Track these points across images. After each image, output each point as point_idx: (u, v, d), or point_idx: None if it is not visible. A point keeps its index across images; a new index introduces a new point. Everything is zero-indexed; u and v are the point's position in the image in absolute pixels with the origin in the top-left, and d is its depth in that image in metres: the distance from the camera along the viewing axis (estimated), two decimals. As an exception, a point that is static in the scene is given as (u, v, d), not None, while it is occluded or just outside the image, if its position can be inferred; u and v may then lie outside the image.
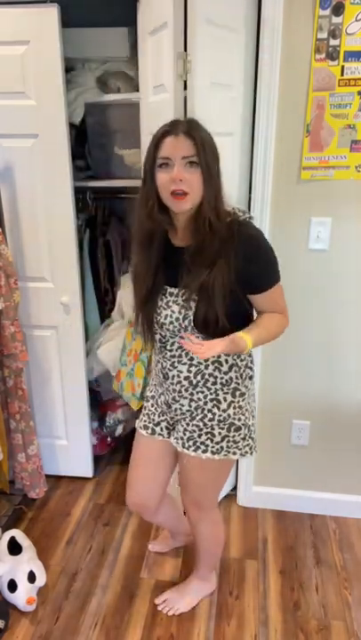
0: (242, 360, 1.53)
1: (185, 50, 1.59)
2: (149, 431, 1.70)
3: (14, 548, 2.04)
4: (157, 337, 1.54)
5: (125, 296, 2.37)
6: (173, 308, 1.46)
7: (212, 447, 1.58)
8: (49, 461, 2.51)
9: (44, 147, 2.04)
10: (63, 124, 2.00)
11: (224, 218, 1.40)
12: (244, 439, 1.59)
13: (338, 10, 1.72)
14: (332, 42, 1.76)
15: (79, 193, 2.30)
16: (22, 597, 1.86)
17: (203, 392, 1.54)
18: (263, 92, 1.83)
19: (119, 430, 2.59)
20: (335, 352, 2.12)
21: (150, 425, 1.70)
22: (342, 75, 1.78)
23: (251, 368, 1.59)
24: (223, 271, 1.38)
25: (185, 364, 1.52)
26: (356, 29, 1.73)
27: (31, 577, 1.91)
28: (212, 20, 1.65)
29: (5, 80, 1.97)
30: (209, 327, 1.42)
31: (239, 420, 1.57)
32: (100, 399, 2.60)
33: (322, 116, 1.84)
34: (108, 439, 2.61)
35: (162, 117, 1.53)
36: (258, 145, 1.90)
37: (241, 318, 1.48)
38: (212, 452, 1.58)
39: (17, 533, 2.09)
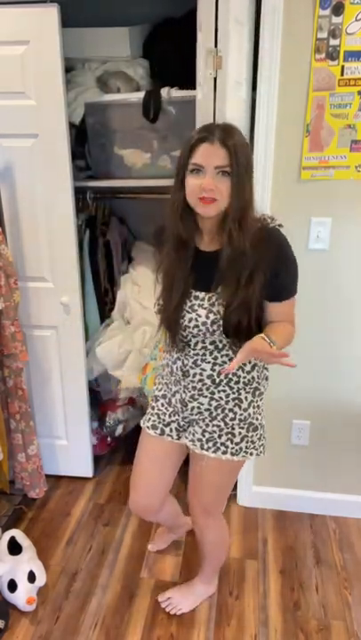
0: (261, 360, 1.53)
1: (215, 46, 1.58)
2: (158, 431, 1.68)
3: (14, 548, 2.04)
4: (179, 337, 1.54)
5: (132, 294, 2.39)
6: (200, 312, 1.47)
7: (232, 448, 1.58)
8: (49, 461, 2.51)
9: (44, 147, 2.04)
10: (63, 124, 2.00)
11: (253, 224, 1.42)
12: (260, 439, 1.61)
13: (338, 10, 1.72)
14: (332, 42, 1.75)
15: (79, 193, 2.30)
16: (22, 597, 1.86)
17: (225, 391, 1.54)
18: (263, 91, 1.83)
19: (119, 430, 2.59)
20: (335, 352, 2.12)
21: (160, 425, 1.68)
22: (342, 75, 1.78)
23: (267, 368, 1.61)
24: (260, 280, 1.40)
25: (208, 362, 1.52)
26: (356, 29, 1.73)
27: (31, 577, 1.91)
28: (236, 16, 1.64)
29: (5, 80, 1.97)
30: (240, 333, 1.44)
31: (257, 419, 1.59)
32: (100, 399, 2.60)
33: (322, 116, 1.84)
34: (108, 439, 2.61)
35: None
36: (258, 145, 1.89)
37: (257, 323, 1.49)
38: (232, 454, 1.58)
39: (17, 533, 2.09)
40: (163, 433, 1.68)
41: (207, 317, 1.45)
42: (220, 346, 1.50)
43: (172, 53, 2.20)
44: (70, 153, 2.06)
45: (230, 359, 1.50)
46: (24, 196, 2.12)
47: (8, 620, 1.86)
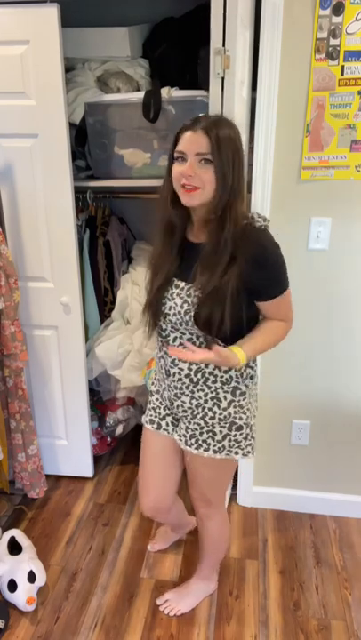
0: (243, 367, 1.54)
1: (223, 45, 1.59)
2: (155, 425, 1.72)
3: (14, 548, 2.04)
4: (160, 331, 1.56)
5: (132, 294, 2.39)
6: (177, 301, 1.48)
7: (214, 446, 1.59)
8: (49, 461, 2.51)
9: (44, 147, 2.04)
10: (63, 124, 2.00)
11: (239, 220, 1.41)
12: (246, 439, 1.60)
13: (338, 9, 1.72)
14: (332, 41, 1.75)
15: (79, 193, 2.30)
16: (22, 597, 1.86)
17: (203, 390, 1.55)
18: (263, 91, 1.83)
19: (119, 430, 2.59)
20: (335, 352, 2.11)
21: (156, 419, 1.72)
22: (342, 74, 1.78)
23: (252, 367, 1.59)
24: (235, 274, 1.39)
25: (185, 361, 1.53)
26: (356, 29, 1.73)
27: (31, 577, 1.91)
28: (241, 16, 1.65)
29: (5, 80, 1.97)
30: (211, 327, 1.42)
31: (240, 419, 1.57)
32: (100, 399, 2.60)
33: (322, 116, 1.84)
34: (108, 439, 2.61)
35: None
36: (258, 145, 1.89)
37: (246, 323, 1.48)
38: (214, 451, 1.59)
39: (17, 533, 2.09)
40: (159, 427, 1.71)
41: (182, 307, 1.47)
42: (197, 344, 1.50)
43: (171, 53, 2.21)
44: (70, 153, 2.06)
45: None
46: (24, 196, 2.12)
47: (8, 620, 1.86)
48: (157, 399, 1.72)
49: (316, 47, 1.77)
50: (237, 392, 1.56)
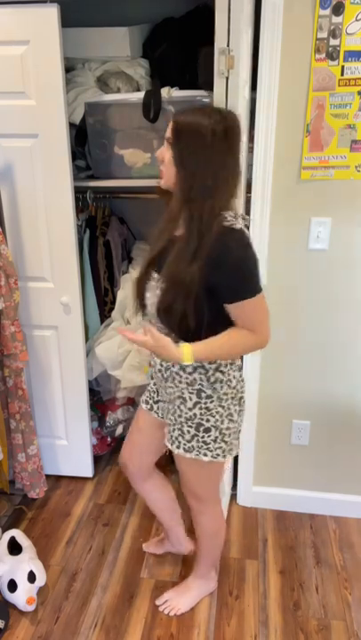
0: (210, 363, 1.51)
1: (228, 45, 1.59)
2: (149, 407, 1.77)
3: (14, 548, 2.04)
4: (148, 322, 1.58)
5: (132, 294, 2.39)
6: (150, 293, 1.51)
7: (184, 444, 1.60)
8: (49, 461, 2.51)
9: (44, 147, 2.04)
10: (63, 124, 2.00)
11: (210, 216, 1.35)
12: (215, 441, 1.57)
13: (338, 9, 1.72)
14: (332, 42, 1.75)
15: (79, 193, 2.30)
16: (22, 597, 1.86)
17: (172, 387, 1.58)
18: (263, 91, 1.83)
19: (119, 430, 2.59)
20: (335, 352, 2.11)
21: (150, 402, 1.77)
22: (342, 75, 1.78)
23: (223, 372, 1.53)
24: (198, 267, 1.35)
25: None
26: (356, 29, 1.73)
27: (31, 577, 1.91)
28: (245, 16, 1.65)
29: (5, 80, 1.97)
30: (171, 319, 1.42)
31: (207, 421, 1.55)
32: (100, 399, 2.60)
33: (322, 116, 1.84)
34: (108, 439, 2.61)
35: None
36: (258, 145, 1.89)
37: (213, 325, 1.43)
38: (185, 450, 1.60)
39: (17, 533, 2.09)
40: (152, 409, 1.76)
41: (151, 299, 1.49)
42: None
43: (171, 53, 2.21)
44: (70, 153, 2.06)
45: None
46: (24, 196, 2.12)
47: (8, 620, 1.86)
48: (154, 384, 1.76)
49: (316, 47, 1.77)
50: (203, 394, 1.54)
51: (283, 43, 1.78)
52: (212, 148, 1.32)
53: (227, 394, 1.55)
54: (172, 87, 2.10)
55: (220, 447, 1.58)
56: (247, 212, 2.01)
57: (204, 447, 1.58)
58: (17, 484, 2.37)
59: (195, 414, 1.55)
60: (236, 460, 2.35)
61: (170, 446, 1.64)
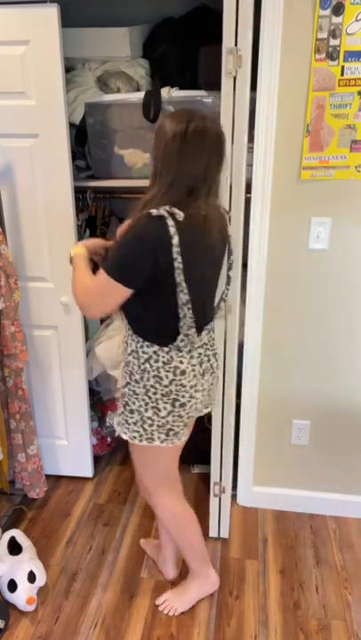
0: (143, 352, 1.54)
1: (235, 44, 1.59)
2: None
3: (14, 548, 2.04)
4: None
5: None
6: None
7: (117, 418, 1.67)
8: (49, 461, 2.51)
9: (44, 147, 2.04)
10: (63, 124, 2.00)
11: (145, 207, 1.43)
12: (135, 424, 1.61)
13: (338, 10, 1.72)
14: (332, 42, 1.75)
15: (79, 193, 2.30)
16: (22, 597, 1.86)
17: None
18: (263, 91, 1.83)
19: (119, 430, 2.58)
20: (335, 352, 2.12)
21: None
22: (342, 75, 1.78)
23: (150, 365, 1.53)
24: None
25: (123, 324, 1.61)
26: (356, 29, 1.73)
27: (31, 577, 1.91)
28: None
29: (5, 80, 1.97)
30: None
31: (133, 403, 1.60)
32: (100, 399, 2.60)
33: (322, 116, 1.84)
34: (108, 439, 2.61)
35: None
36: (258, 145, 1.89)
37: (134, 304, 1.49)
38: (117, 423, 1.67)
39: (17, 533, 2.09)
40: None
41: None
42: (125, 323, 1.60)
43: (172, 53, 2.21)
44: (70, 153, 2.06)
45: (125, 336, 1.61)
46: (24, 196, 2.12)
47: (8, 620, 1.86)
48: None
49: (316, 47, 1.77)
50: (132, 377, 1.58)
51: (283, 43, 1.78)
52: (165, 148, 1.39)
53: (155, 387, 1.55)
54: (172, 87, 2.10)
55: (138, 431, 1.61)
56: (247, 212, 2.01)
57: (125, 425, 1.63)
58: (17, 483, 2.37)
59: (125, 392, 1.62)
60: (236, 459, 2.35)
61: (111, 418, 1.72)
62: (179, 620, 1.87)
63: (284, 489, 2.35)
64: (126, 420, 1.63)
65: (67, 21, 1.93)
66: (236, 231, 1.77)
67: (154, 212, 1.37)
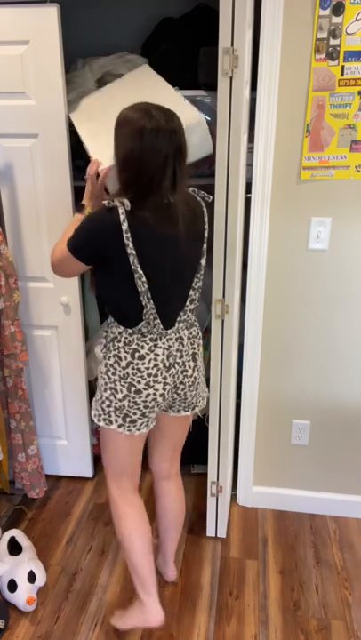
0: (111, 331, 1.61)
1: (232, 44, 1.58)
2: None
3: (14, 548, 2.04)
4: None
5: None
6: None
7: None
8: (49, 461, 2.51)
9: (44, 147, 2.04)
10: (63, 124, 2.00)
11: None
12: (96, 402, 1.66)
13: (338, 10, 1.72)
14: (333, 42, 1.75)
15: (79, 193, 2.29)
16: (22, 597, 1.86)
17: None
18: (263, 91, 1.83)
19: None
20: (335, 352, 2.12)
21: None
22: (342, 75, 1.78)
23: (113, 345, 1.60)
24: None
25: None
26: (356, 29, 1.73)
27: (31, 577, 1.91)
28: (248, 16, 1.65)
29: (5, 80, 1.97)
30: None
31: (105, 384, 1.62)
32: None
33: (322, 116, 1.84)
34: (108, 439, 2.61)
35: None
36: (258, 145, 1.90)
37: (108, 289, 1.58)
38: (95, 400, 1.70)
39: (17, 533, 2.09)
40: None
41: None
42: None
43: (171, 53, 2.20)
44: (70, 153, 2.06)
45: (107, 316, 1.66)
46: (24, 196, 2.12)
47: (8, 620, 1.86)
48: None
49: (316, 47, 1.77)
50: (105, 362, 1.62)
51: (283, 43, 1.78)
52: (117, 140, 1.49)
53: (115, 368, 1.59)
54: (172, 87, 2.10)
55: (97, 410, 1.65)
56: (247, 212, 2.01)
57: (95, 403, 1.68)
58: (17, 483, 2.37)
59: (101, 371, 1.65)
60: (236, 459, 2.35)
61: None
62: (179, 620, 1.87)
63: (284, 489, 2.35)
64: (96, 400, 1.67)
65: (67, 21, 1.93)
66: (233, 230, 1.77)
67: (107, 202, 1.46)
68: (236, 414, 2.28)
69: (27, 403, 2.24)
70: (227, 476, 2.12)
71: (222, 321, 1.85)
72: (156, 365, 1.58)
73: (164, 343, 1.58)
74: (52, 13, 1.87)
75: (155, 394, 1.60)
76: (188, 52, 2.13)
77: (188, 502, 2.38)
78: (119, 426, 1.62)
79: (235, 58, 1.58)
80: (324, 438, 2.24)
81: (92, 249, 1.50)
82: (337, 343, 2.10)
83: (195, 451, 2.18)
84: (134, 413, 1.61)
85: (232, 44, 1.58)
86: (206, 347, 2.24)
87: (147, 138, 1.41)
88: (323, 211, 1.95)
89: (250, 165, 1.94)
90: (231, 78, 1.61)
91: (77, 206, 1.67)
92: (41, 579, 1.93)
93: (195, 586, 2.00)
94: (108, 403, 1.62)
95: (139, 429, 1.63)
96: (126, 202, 1.44)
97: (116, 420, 1.62)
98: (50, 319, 2.29)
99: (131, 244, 1.44)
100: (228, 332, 1.88)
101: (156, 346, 1.57)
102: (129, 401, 1.59)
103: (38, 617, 1.88)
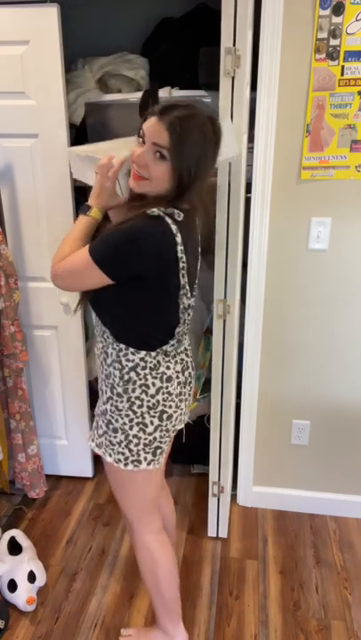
0: (128, 360, 1.40)
1: (234, 44, 1.58)
2: None
3: (14, 547, 2.04)
4: None
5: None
6: None
7: (97, 439, 1.50)
8: (49, 461, 2.51)
9: (44, 147, 2.04)
10: (63, 124, 2.00)
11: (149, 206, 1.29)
12: (119, 444, 1.45)
13: (338, 10, 1.72)
14: (333, 42, 1.75)
15: (79, 193, 2.29)
16: (22, 597, 1.86)
17: (100, 377, 1.49)
18: (263, 91, 1.83)
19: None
20: (335, 352, 2.12)
21: None
22: (342, 75, 1.78)
23: (138, 374, 1.40)
24: None
25: (96, 341, 1.46)
26: (356, 29, 1.73)
27: (31, 577, 1.91)
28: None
29: (5, 80, 1.97)
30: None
31: (117, 421, 1.43)
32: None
33: (322, 116, 1.84)
34: (108, 439, 2.61)
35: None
36: (258, 145, 1.90)
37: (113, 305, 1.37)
38: (97, 445, 1.51)
39: (17, 533, 2.09)
40: None
41: None
42: (100, 327, 1.44)
43: (172, 53, 2.20)
44: (70, 153, 2.07)
45: (103, 343, 1.44)
46: (24, 196, 2.12)
47: (8, 620, 1.86)
48: None
49: (316, 47, 1.77)
50: (115, 392, 1.42)
51: (283, 43, 1.78)
52: (205, 155, 1.30)
53: (141, 399, 1.41)
54: (172, 87, 2.10)
55: (123, 453, 1.45)
56: (247, 212, 2.01)
57: (110, 447, 1.46)
58: (17, 483, 2.37)
59: (107, 410, 1.45)
60: (236, 459, 2.35)
61: (90, 441, 1.55)
62: (179, 620, 1.87)
63: (284, 489, 2.35)
64: (110, 442, 1.45)
65: (67, 21, 1.93)
66: (234, 230, 1.77)
67: (155, 211, 1.27)
68: (236, 414, 2.28)
69: (27, 403, 2.24)
70: (227, 477, 2.12)
71: (224, 321, 1.86)
72: (179, 383, 1.46)
73: (179, 357, 1.47)
74: (52, 13, 1.87)
75: (181, 413, 1.49)
76: (188, 52, 2.13)
77: (187, 502, 2.38)
78: (149, 463, 1.46)
79: (237, 58, 1.59)
80: (325, 438, 2.24)
81: (135, 265, 1.27)
82: (337, 343, 2.10)
83: (194, 451, 2.18)
84: (165, 442, 1.47)
85: (234, 44, 1.58)
86: (207, 347, 2.24)
87: (217, 151, 1.31)
88: (323, 211, 1.95)
89: (250, 165, 1.94)
90: (233, 78, 1.61)
91: (81, 207, 1.41)
92: (41, 579, 1.93)
93: (195, 586, 2.00)
94: (136, 441, 1.43)
95: (163, 456, 1.50)
96: (176, 211, 1.28)
97: (146, 458, 1.45)
98: (50, 319, 2.29)
99: (184, 258, 1.31)
100: (229, 332, 1.88)
101: (176, 362, 1.45)
102: (160, 430, 1.45)
103: (38, 617, 1.88)
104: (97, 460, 2.60)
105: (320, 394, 2.18)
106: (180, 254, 1.30)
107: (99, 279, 1.30)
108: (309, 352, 2.13)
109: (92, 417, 2.49)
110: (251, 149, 1.94)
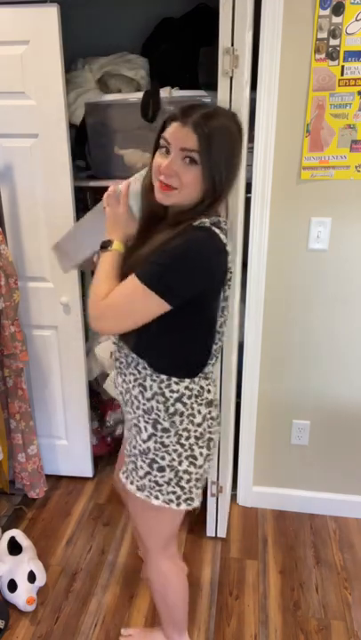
0: (172, 391, 1.30)
1: (232, 44, 1.57)
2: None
3: (14, 547, 2.04)
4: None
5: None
6: None
7: (138, 481, 1.37)
8: (49, 461, 2.51)
9: (44, 147, 2.04)
10: (63, 124, 2.00)
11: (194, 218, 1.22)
12: (168, 484, 1.34)
13: (338, 10, 1.72)
14: (333, 42, 1.75)
15: (79, 193, 2.30)
16: (22, 597, 1.86)
17: (130, 413, 1.38)
18: (263, 91, 1.83)
19: (119, 430, 2.59)
20: (335, 352, 2.12)
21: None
22: (342, 75, 1.78)
23: (184, 404, 1.31)
24: None
25: (122, 374, 1.37)
26: (356, 29, 1.73)
27: (31, 577, 1.91)
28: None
29: (5, 80, 1.97)
30: None
31: (163, 459, 1.33)
32: (100, 399, 2.60)
33: (322, 116, 1.84)
34: (108, 439, 2.61)
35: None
36: (258, 145, 1.90)
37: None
38: (137, 488, 1.37)
39: (17, 533, 2.09)
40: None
41: None
42: (125, 352, 1.33)
43: (172, 53, 2.21)
44: (70, 153, 2.06)
45: (134, 380, 1.34)
46: (24, 196, 2.12)
47: (8, 620, 1.86)
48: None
49: (316, 47, 1.77)
50: (159, 427, 1.32)
51: (283, 42, 1.78)
52: (238, 156, 1.25)
53: (188, 430, 1.32)
54: (172, 87, 2.10)
55: (174, 492, 1.34)
56: (247, 212, 2.01)
57: (156, 488, 1.34)
58: (17, 483, 2.37)
59: (149, 448, 1.33)
60: (236, 459, 2.35)
61: (124, 480, 1.41)
62: (179, 620, 1.87)
63: (284, 489, 2.35)
64: (157, 482, 1.33)
65: (67, 21, 1.93)
66: (233, 230, 1.77)
67: (206, 222, 1.19)
68: (236, 414, 2.28)
69: (27, 403, 2.24)
70: (227, 476, 2.12)
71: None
72: (215, 405, 1.39)
73: (211, 377, 1.39)
74: (51, 13, 1.87)
75: (217, 435, 1.42)
76: (188, 52, 2.14)
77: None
78: (197, 497, 1.37)
79: (235, 58, 1.58)
80: (325, 438, 2.24)
81: (200, 282, 1.20)
82: (337, 343, 2.10)
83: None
84: (207, 471, 1.40)
85: (232, 44, 1.58)
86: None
87: (242, 147, 1.25)
88: (323, 211, 1.95)
89: (250, 165, 1.94)
90: (231, 78, 1.61)
91: (102, 244, 1.30)
92: (41, 579, 1.93)
93: (195, 586, 2.00)
94: (187, 477, 1.33)
95: None
96: (221, 219, 1.22)
97: (198, 495, 1.36)
98: (50, 319, 2.29)
99: (231, 268, 1.25)
100: (229, 332, 1.88)
101: (214, 384, 1.39)
102: (208, 460, 1.36)
103: (38, 617, 1.88)
104: (97, 460, 2.60)
105: (320, 394, 2.18)
106: (229, 264, 1.25)
107: (156, 308, 1.18)
108: (309, 352, 2.13)
109: (91, 417, 2.50)
110: (251, 149, 1.94)
